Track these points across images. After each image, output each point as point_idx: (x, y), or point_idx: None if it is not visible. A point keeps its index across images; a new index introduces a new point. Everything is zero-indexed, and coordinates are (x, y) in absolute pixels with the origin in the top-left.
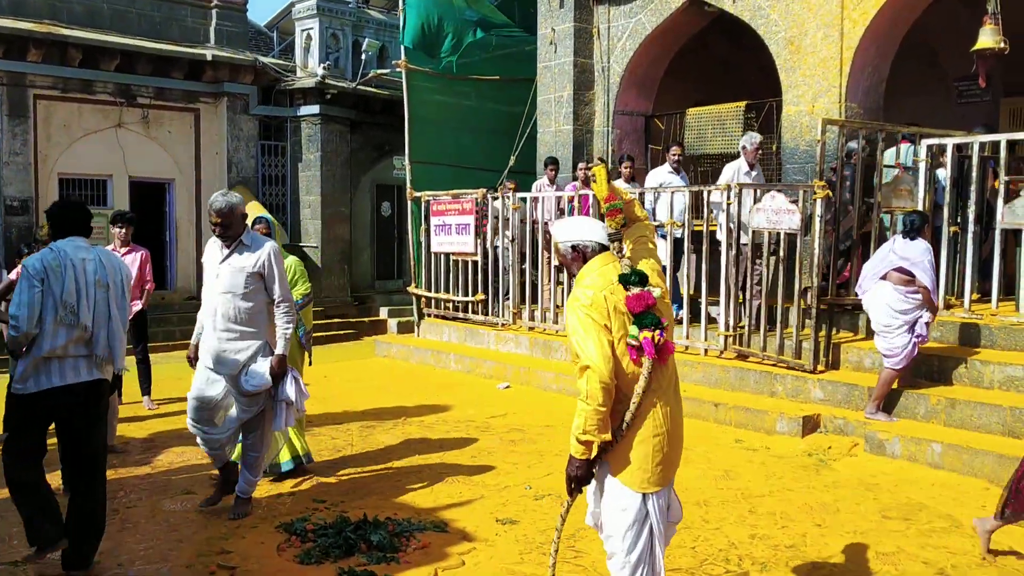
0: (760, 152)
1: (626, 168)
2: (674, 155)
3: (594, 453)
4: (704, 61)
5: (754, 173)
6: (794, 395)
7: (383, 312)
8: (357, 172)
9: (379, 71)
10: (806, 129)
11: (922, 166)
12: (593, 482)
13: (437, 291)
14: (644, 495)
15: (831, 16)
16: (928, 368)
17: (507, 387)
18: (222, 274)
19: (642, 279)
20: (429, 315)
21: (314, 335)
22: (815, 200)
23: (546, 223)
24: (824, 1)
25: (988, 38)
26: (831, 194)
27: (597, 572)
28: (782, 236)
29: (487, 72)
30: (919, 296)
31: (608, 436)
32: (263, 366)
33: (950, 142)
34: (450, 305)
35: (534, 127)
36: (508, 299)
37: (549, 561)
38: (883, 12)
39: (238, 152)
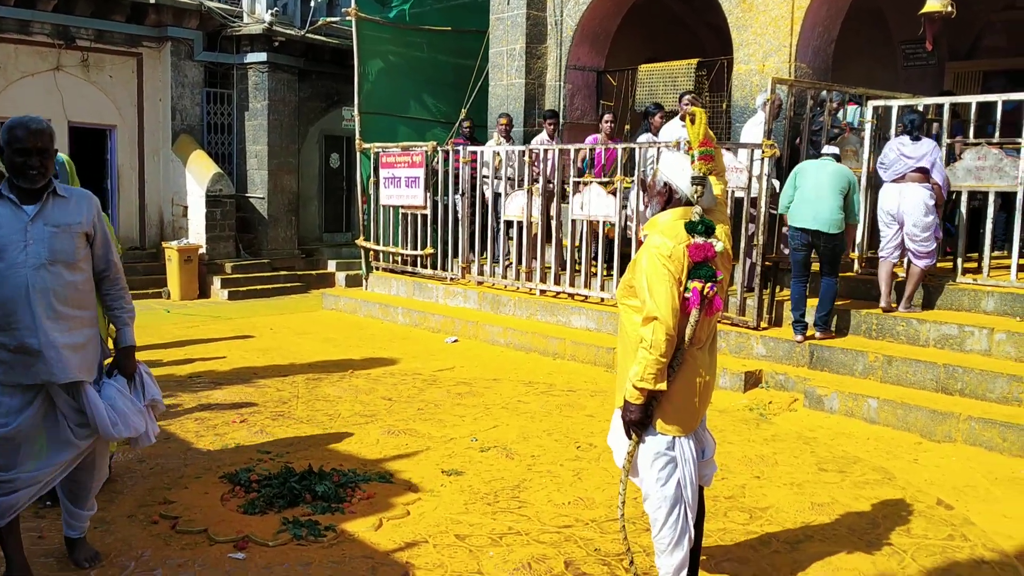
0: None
1: (549, 125)
2: (686, 104)
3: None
4: (657, 18)
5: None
6: (737, 351)
7: (331, 265)
8: (305, 122)
9: (328, 19)
10: (756, 88)
11: (868, 127)
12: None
13: (386, 244)
14: (675, 439)
15: None
16: (867, 326)
17: (455, 341)
18: (37, 238)
19: (709, 229)
20: (378, 268)
21: (260, 287)
22: (763, 159)
23: (549, 181)
24: None
25: (935, 1)
26: (778, 153)
27: (540, 521)
28: (730, 194)
29: (439, 23)
30: (934, 193)
31: (664, 386)
32: (116, 391)
33: (895, 104)
34: (399, 259)
35: (486, 80)
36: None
37: (617, 502)
38: None
39: (182, 99)
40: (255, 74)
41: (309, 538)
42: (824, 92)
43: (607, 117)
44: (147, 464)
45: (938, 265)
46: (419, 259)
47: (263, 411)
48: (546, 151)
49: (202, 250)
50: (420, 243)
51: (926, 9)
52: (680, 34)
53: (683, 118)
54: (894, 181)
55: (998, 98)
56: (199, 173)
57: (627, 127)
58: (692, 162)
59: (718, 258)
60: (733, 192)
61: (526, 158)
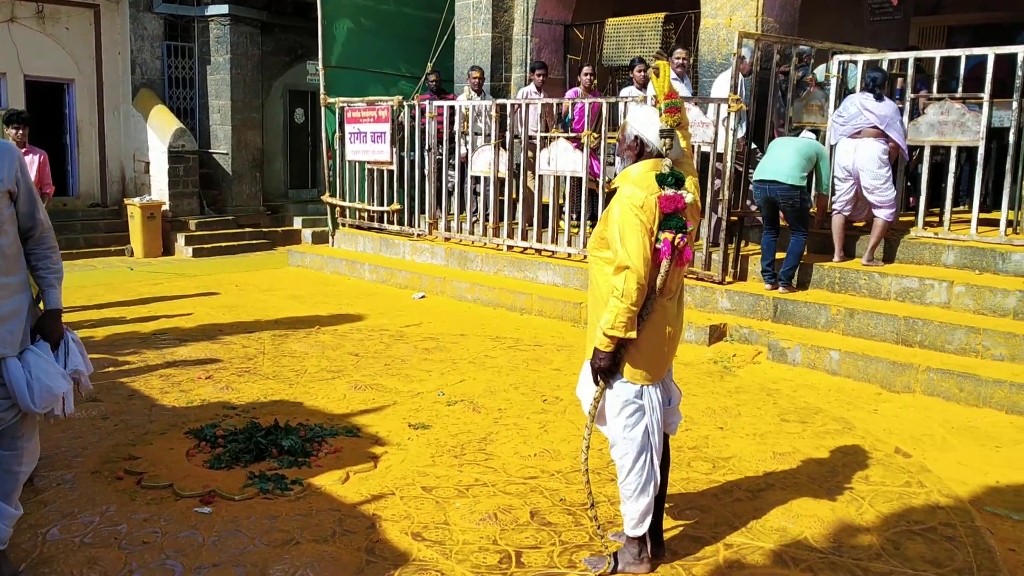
0: (685, 63)
1: (539, 77)
2: (679, 59)
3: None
4: None
5: (682, 84)
6: (702, 305)
7: (297, 222)
8: (269, 77)
9: None
10: (723, 42)
11: (833, 82)
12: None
13: (352, 201)
14: (642, 387)
15: None
16: (830, 280)
17: (422, 297)
18: None
19: (679, 181)
20: (344, 225)
21: (225, 244)
22: (729, 113)
23: (532, 136)
24: None
25: None
26: (744, 107)
27: (507, 472)
28: (696, 149)
29: None
30: (888, 147)
31: (634, 334)
32: (37, 357)
33: (860, 59)
34: (365, 215)
35: (452, 34)
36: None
37: (583, 445)
38: None
39: (142, 52)
40: (217, 27)
41: (276, 492)
42: (792, 47)
43: (586, 70)
44: (111, 421)
45: (900, 219)
46: (386, 215)
47: (229, 367)
48: (527, 105)
49: (165, 207)
50: (387, 199)
51: None
52: None
53: (587, 89)
54: (850, 137)
55: (961, 53)
56: (161, 128)
57: (594, 81)
58: (660, 115)
59: (688, 209)
60: (699, 147)
61: (495, 113)
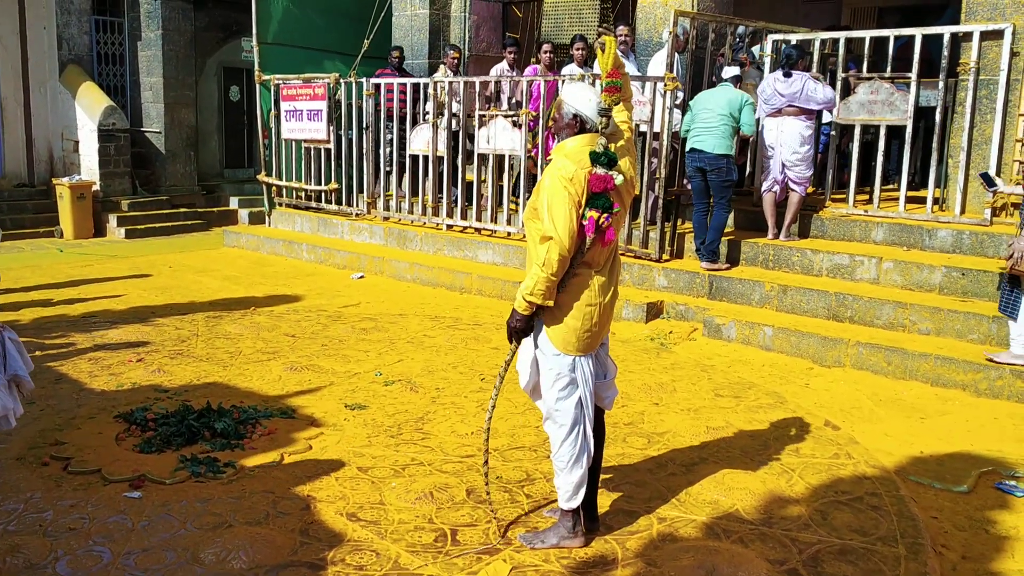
0: (628, 41)
1: (510, 54)
2: (621, 35)
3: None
4: None
5: (627, 61)
6: (640, 283)
7: (233, 202)
8: (203, 54)
9: None
10: (660, 21)
11: (767, 61)
12: (531, 352)
13: (289, 180)
14: (575, 359)
15: None
16: (765, 257)
17: (361, 277)
18: None
19: (611, 161)
20: (281, 205)
21: (159, 225)
22: (665, 92)
23: (469, 115)
24: None
25: None
26: (680, 86)
27: (443, 451)
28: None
29: None
30: (813, 124)
31: (551, 303)
32: None
33: (793, 38)
34: (303, 194)
35: (389, 10)
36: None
37: (489, 404)
38: None
39: (69, 27)
40: (148, 2)
41: (208, 475)
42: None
43: (546, 47)
44: (37, 406)
45: (833, 197)
46: (323, 195)
47: (161, 350)
48: (499, 82)
49: (96, 187)
50: (324, 178)
51: None
52: None
53: (548, 66)
54: (772, 116)
55: (890, 33)
56: (90, 106)
57: (532, 60)
58: (600, 92)
59: (619, 189)
60: (638, 126)
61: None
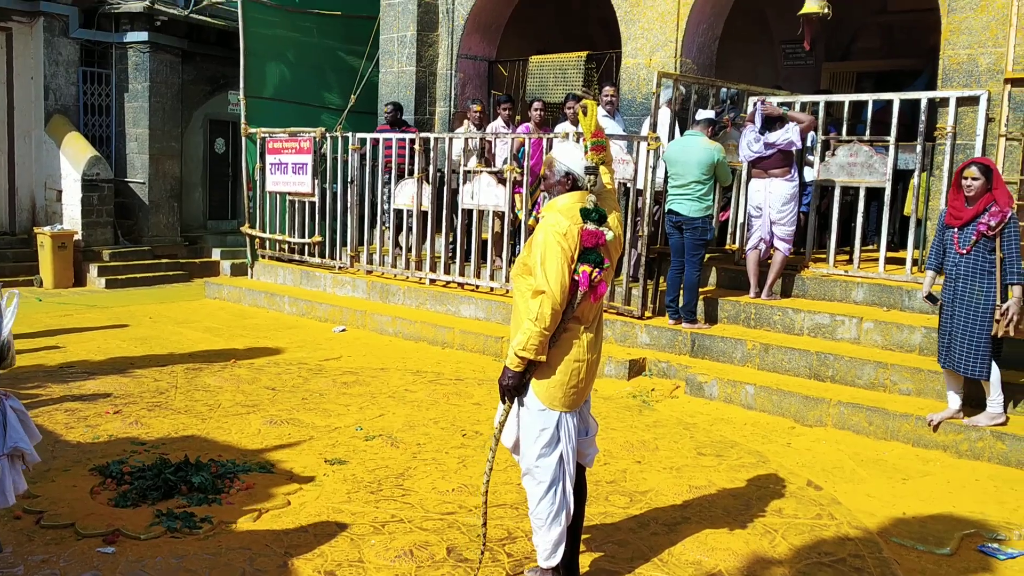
0: (615, 101)
1: (505, 111)
2: (607, 96)
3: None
4: (549, 9)
5: (613, 121)
6: (622, 340)
7: (216, 253)
8: (189, 105)
9: None
10: (643, 82)
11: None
12: (514, 408)
13: (272, 232)
14: (560, 415)
15: None
16: (746, 315)
17: (342, 330)
18: None
19: (601, 217)
20: (264, 257)
21: (140, 275)
22: (648, 151)
23: (450, 170)
24: None
25: (813, 3)
26: (663, 145)
27: (424, 508)
28: (617, 186)
29: (329, 7)
30: (796, 181)
31: (544, 358)
32: None
33: (774, 100)
34: (286, 247)
35: (376, 67)
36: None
37: (489, 479)
38: None
39: (56, 78)
40: (136, 54)
41: (184, 530)
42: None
43: (536, 105)
44: None
45: (814, 257)
46: (307, 247)
47: (139, 402)
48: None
49: (78, 236)
50: (308, 231)
51: (804, 10)
52: (571, 26)
53: (537, 124)
54: (759, 176)
55: (869, 98)
56: (74, 156)
57: (517, 117)
58: (585, 152)
59: (608, 245)
60: (624, 185)
61: (418, 146)
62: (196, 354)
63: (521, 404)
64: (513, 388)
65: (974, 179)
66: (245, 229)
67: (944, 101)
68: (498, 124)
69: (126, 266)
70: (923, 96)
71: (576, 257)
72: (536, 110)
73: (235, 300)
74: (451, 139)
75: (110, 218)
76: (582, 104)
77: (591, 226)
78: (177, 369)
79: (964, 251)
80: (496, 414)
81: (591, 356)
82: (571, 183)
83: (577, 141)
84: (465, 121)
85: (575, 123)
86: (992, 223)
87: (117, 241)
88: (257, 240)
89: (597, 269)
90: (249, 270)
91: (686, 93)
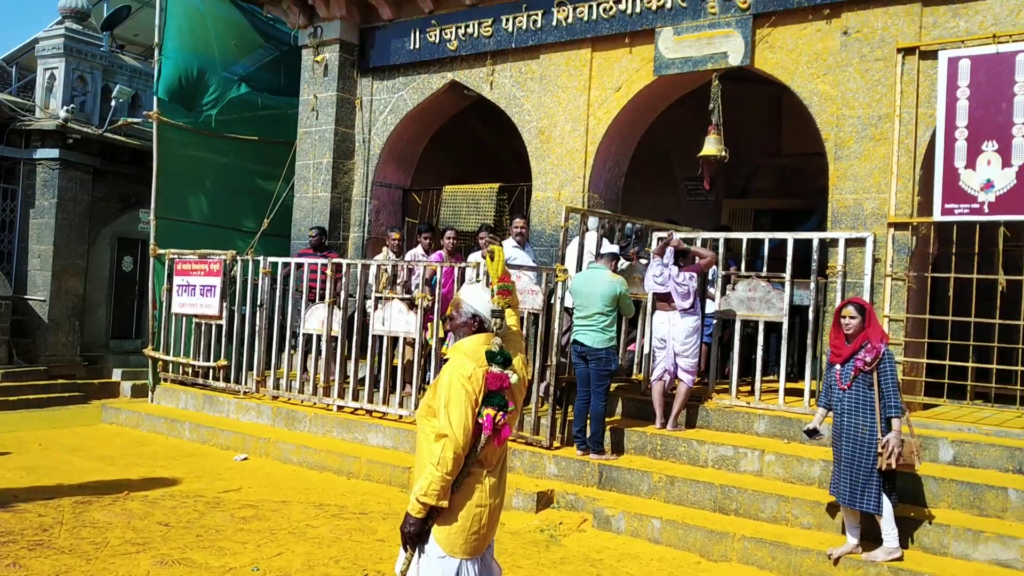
0: (524, 232)
1: (425, 239)
2: (517, 227)
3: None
4: (463, 140)
5: (523, 252)
6: (530, 471)
7: (117, 374)
8: (98, 223)
9: (130, 119)
10: (552, 215)
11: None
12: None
13: (177, 355)
14: (461, 562)
15: (579, 112)
16: (653, 446)
17: (245, 459)
18: None
19: (507, 360)
20: (166, 380)
21: (33, 397)
22: (557, 282)
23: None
24: (572, 98)
25: (712, 146)
26: (570, 277)
27: None
28: (526, 316)
29: (248, 131)
30: (697, 315)
31: (446, 503)
32: None
33: (676, 236)
34: (189, 370)
35: (292, 190)
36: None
37: None
38: (623, 113)
39: None
40: (44, 171)
41: None
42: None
43: (449, 233)
44: None
45: (717, 388)
46: (212, 371)
47: (19, 540)
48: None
49: None
50: (213, 354)
51: (704, 153)
52: (484, 157)
53: (450, 252)
54: (662, 309)
55: (765, 236)
56: None
57: (457, 244)
58: (492, 296)
59: (513, 388)
60: (538, 317)
61: (330, 271)
62: (86, 485)
63: (421, 551)
64: (415, 536)
65: (851, 318)
66: (148, 351)
67: (834, 241)
68: (418, 252)
69: (17, 387)
70: (815, 236)
71: (480, 400)
72: (449, 239)
73: (133, 425)
74: (363, 264)
75: (5, 336)
76: (489, 249)
77: (496, 369)
78: (64, 502)
79: (845, 386)
80: (397, 562)
81: (494, 501)
82: (477, 325)
83: (486, 283)
84: (384, 248)
85: (488, 254)
86: (868, 359)
87: (11, 360)
88: (160, 363)
89: (501, 412)
90: (150, 393)
91: (594, 226)
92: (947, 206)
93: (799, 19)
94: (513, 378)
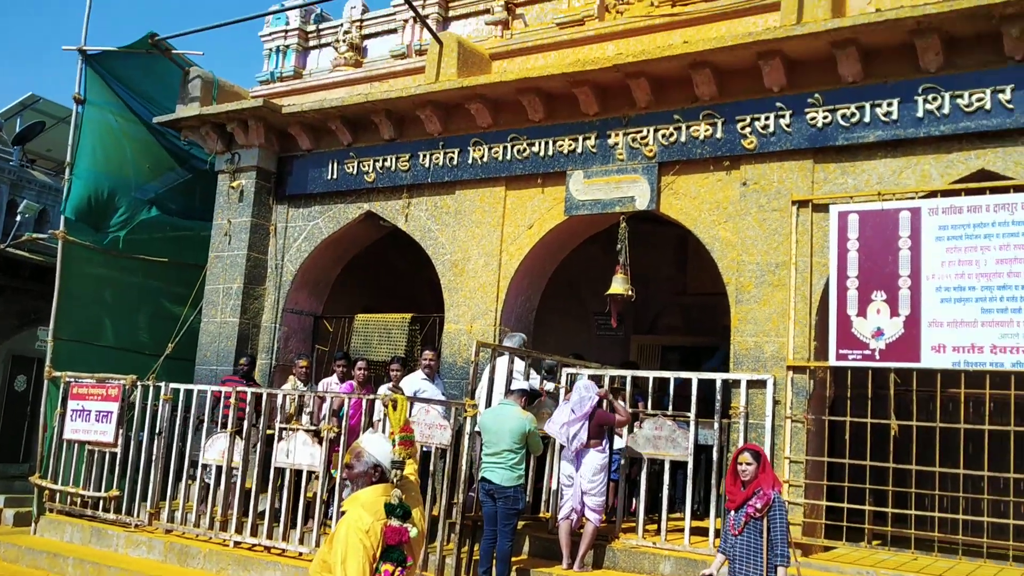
0: (434, 364)
1: (340, 368)
2: (427, 359)
3: None
4: (377, 270)
5: (433, 384)
6: None
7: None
8: None
9: (35, 235)
10: (464, 347)
11: (562, 392)
12: None
13: (66, 484)
14: None
15: (492, 247)
16: None
17: None
18: None
19: (406, 513)
20: (52, 510)
21: None
22: (466, 417)
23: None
24: (486, 233)
25: (619, 285)
26: (479, 412)
27: None
28: (434, 450)
29: (158, 252)
30: (607, 452)
31: None
32: None
33: (585, 373)
34: (78, 500)
35: (200, 314)
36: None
37: None
38: (535, 249)
39: None
40: None
41: None
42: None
43: (360, 364)
44: None
45: (624, 527)
46: (103, 501)
47: None
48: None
49: None
50: (106, 484)
51: (611, 291)
52: (398, 287)
53: (360, 383)
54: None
55: (671, 375)
56: None
57: (368, 375)
58: (394, 446)
59: (411, 542)
60: (446, 451)
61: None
62: None
63: None
64: None
65: (748, 464)
66: (34, 479)
67: (736, 383)
68: (332, 380)
69: None
70: (718, 377)
71: (379, 555)
72: (360, 369)
73: (12, 560)
74: (268, 394)
75: None
76: (392, 398)
77: (395, 522)
78: None
79: (736, 532)
80: None
81: None
82: (379, 476)
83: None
84: (291, 376)
85: (395, 387)
86: (759, 505)
87: None
88: (47, 492)
89: (400, 568)
90: (33, 524)
91: (503, 364)
92: (841, 351)
93: (701, 169)
94: (413, 532)
